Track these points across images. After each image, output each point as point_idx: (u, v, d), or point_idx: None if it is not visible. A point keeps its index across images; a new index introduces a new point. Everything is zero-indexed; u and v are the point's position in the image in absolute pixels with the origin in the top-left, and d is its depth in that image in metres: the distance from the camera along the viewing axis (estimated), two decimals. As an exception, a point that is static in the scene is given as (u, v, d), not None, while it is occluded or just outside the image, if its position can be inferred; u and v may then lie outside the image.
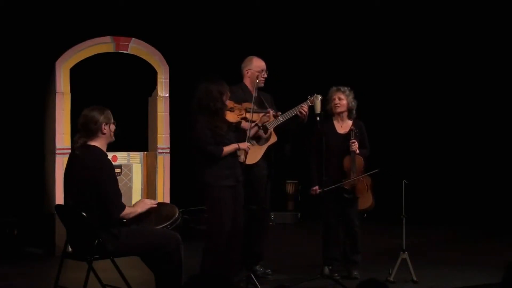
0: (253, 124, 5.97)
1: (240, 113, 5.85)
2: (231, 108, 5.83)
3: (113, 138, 4.92)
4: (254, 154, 6.13)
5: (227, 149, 5.69)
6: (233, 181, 5.71)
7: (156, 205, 5.00)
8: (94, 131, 4.79)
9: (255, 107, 5.97)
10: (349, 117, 6.46)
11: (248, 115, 5.89)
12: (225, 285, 3.11)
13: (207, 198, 5.74)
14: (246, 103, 5.98)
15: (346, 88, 6.42)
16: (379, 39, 10.20)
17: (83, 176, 4.71)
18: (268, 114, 6.09)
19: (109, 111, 4.89)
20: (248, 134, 5.83)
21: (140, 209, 4.90)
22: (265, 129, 6.14)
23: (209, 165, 5.69)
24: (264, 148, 6.23)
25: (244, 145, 5.75)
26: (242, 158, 5.86)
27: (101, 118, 4.80)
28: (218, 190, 5.66)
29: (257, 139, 6.18)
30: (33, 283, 6.29)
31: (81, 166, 4.75)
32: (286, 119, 6.22)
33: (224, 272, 5.66)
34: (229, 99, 5.78)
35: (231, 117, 5.82)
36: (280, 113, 6.18)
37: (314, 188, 6.33)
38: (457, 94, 10.06)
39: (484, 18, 9.67)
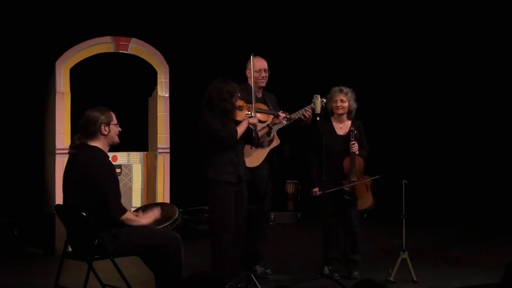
0: (264, 125, 6.00)
1: (248, 113, 5.87)
2: (239, 107, 5.87)
3: (116, 140, 4.89)
4: (256, 156, 6.17)
5: (240, 128, 5.70)
6: (235, 178, 5.70)
7: (160, 216, 5.00)
8: (94, 132, 4.78)
9: (265, 108, 6.01)
10: (348, 118, 6.46)
11: (257, 115, 5.92)
12: (219, 285, 3.11)
13: (209, 194, 5.75)
14: (257, 103, 5.99)
15: (348, 89, 6.41)
16: (379, 38, 10.20)
17: (83, 177, 4.71)
18: (278, 117, 6.10)
19: (112, 113, 4.86)
20: (254, 132, 5.81)
21: (144, 221, 4.89)
22: (268, 132, 6.15)
23: (212, 161, 5.70)
24: (266, 150, 6.25)
25: (252, 120, 5.76)
26: (265, 136, 5.91)
27: (101, 119, 4.79)
28: (219, 186, 5.67)
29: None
30: (33, 283, 6.29)
31: (81, 167, 4.74)
32: (290, 122, 6.25)
33: (230, 269, 5.67)
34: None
35: (239, 115, 5.84)
36: (288, 114, 6.18)
37: (314, 189, 6.33)
38: (457, 94, 10.06)
39: (484, 18, 9.66)
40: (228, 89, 5.68)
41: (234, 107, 5.72)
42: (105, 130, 4.81)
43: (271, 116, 6.10)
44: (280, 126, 6.23)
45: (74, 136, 4.86)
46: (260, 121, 6.01)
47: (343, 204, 6.29)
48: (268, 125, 6.08)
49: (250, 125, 5.75)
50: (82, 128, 4.82)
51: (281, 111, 6.16)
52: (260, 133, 6.00)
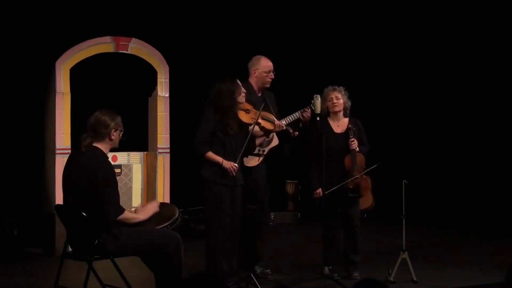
0: (262, 133, 6.01)
1: (255, 117, 5.86)
2: (247, 109, 5.87)
3: (117, 145, 4.94)
4: (256, 156, 6.15)
5: (212, 156, 5.70)
6: (229, 182, 5.72)
7: (158, 210, 5.00)
8: (103, 135, 4.81)
9: (267, 116, 6.05)
10: (345, 116, 6.46)
11: (263, 122, 5.92)
12: (221, 286, 3.11)
13: (204, 194, 5.78)
14: (264, 112, 6.00)
15: (341, 87, 6.43)
16: (379, 37, 10.20)
17: (83, 177, 4.71)
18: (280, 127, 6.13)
19: (120, 118, 4.90)
20: (240, 154, 5.75)
21: (142, 216, 4.91)
22: (268, 132, 6.14)
23: (208, 162, 5.72)
24: (265, 150, 6.23)
25: (228, 164, 5.69)
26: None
27: (112, 124, 4.82)
28: (214, 187, 5.69)
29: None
30: (33, 283, 6.29)
31: (81, 167, 4.75)
32: (289, 123, 6.25)
33: (225, 268, 5.68)
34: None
35: (245, 118, 5.84)
36: (284, 125, 6.19)
37: (317, 191, 6.31)
38: (456, 93, 10.06)
39: (484, 18, 9.66)
40: (230, 87, 5.71)
41: (235, 104, 5.72)
42: (113, 136, 4.84)
43: (274, 124, 6.09)
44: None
45: (83, 135, 4.86)
46: (263, 128, 6.01)
47: (346, 203, 6.28)
48: (265, 134, 6.09)
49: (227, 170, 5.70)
50: (91, 129, 4.82)
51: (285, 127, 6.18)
52: (257, 141, 6.02)
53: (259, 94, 6.34)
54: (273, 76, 6.33)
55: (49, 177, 7.69)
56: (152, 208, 5.00)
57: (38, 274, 6.61)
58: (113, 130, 4.83)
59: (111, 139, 4.85)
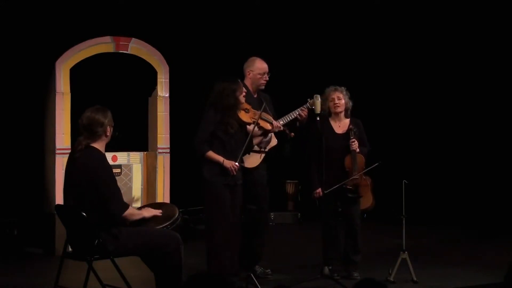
0: (260, 132, 6.01)
1: (254, 117, 5.86)
2: (246, 109, 5.87)
3: (109, 140, 4.96)
4: (254, 157, 6.16)
5: (212, 155, 5.72)
6: (230, 181, 5.72)
7: (160, 215, 5.01)
8: (99, 134, 4.82)
9: (266, 116, 6.04)
10: (346, 116, 6.46)
11: (261, 122, 5.91)
12: (223, 285, 3.11)
13: (205, 194, 5.79)
14: (264, 112, 6.00)
15: (343, 87, 6.43)
16: (379, 37, 10.20)
17: (84, 177, 4.72)
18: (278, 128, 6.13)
19: (110, 112, 4.91)
20: (240, 153, 5.77)
21: (146, 213, 4.94)
22: (265, 132, 6.14)
23: (208, 162, 5.73)
24: (266, 149, 6.24)
25: (228, 163, 5.71)
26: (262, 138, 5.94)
27: (106, 121, 4.83)
28: (214, 187, 5.71)
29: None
30: (33, 283, 6.29)
31: (81, 167, 4.76)
32: (286, 122, 6.25)
33: (227, 268, 5.68)
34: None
35: (245, 117, 5.84)
36: (282, 126, 6.19)
37: (317, 191, 6.32)
38: (457, 93, 10.06)
39: (484, 18, 9.66)
40: (231, 86, 5.73)
41: (237, 102, 5.73)
42: (108, 132, 4.86)
43: (272, 125, 6.09)
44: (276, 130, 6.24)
45: (79, 138, 4.86)
46: (261, 128, 6.01)
47: (346, 203, 6.28)
48: (263, 134, 6.09)
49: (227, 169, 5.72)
50: (86, 130, 4.82)
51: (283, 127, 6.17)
52: (255, 141, 6.02)
53: (255, 96, 6.34)
54: (267, 78, 6.31)
55: (49, 177, 7.69)
56: (154, 210, 5.01)
57: (38, 274, 6.61)
58: (108, 126, 4.85)
59: (106, 136, 4.87)
